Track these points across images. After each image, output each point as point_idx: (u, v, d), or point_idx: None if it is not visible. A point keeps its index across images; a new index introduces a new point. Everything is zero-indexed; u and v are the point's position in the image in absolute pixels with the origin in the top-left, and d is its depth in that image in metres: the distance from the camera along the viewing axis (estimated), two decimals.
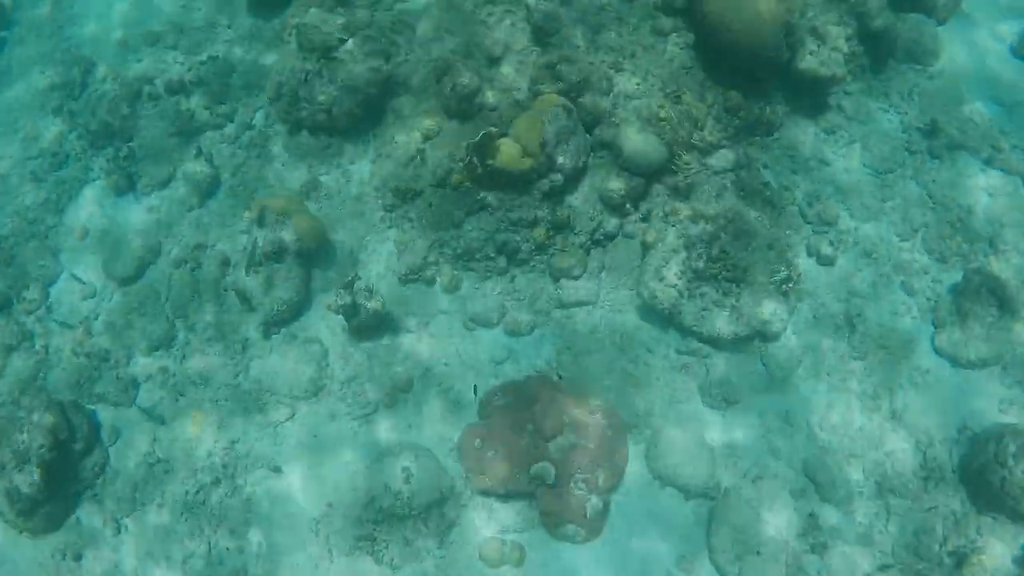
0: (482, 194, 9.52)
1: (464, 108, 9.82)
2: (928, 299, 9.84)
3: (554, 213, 9.47)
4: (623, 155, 9.52)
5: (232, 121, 11.33)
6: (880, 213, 10.27)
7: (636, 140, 9.48)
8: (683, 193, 9.62)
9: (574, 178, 9.58)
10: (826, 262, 9.87)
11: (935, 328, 9.66)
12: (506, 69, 10.15)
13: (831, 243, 9.96)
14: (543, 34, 10.11)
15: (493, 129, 8.91)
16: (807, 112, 10.59)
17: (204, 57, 11.91)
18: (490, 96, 9.88)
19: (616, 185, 9.43)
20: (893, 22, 10.76)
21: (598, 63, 10.03)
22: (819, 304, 9.72)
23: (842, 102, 10.77)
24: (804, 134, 10.50)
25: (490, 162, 9.04)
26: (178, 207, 11.00)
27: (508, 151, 9.00)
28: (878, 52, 10.91)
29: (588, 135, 9.80)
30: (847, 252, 10.04)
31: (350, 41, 10.55)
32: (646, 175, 9.57)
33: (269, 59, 11.56)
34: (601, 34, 10.33)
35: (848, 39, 10.61)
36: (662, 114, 9.72)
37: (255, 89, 11.44)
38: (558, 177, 9.33)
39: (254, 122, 11.25)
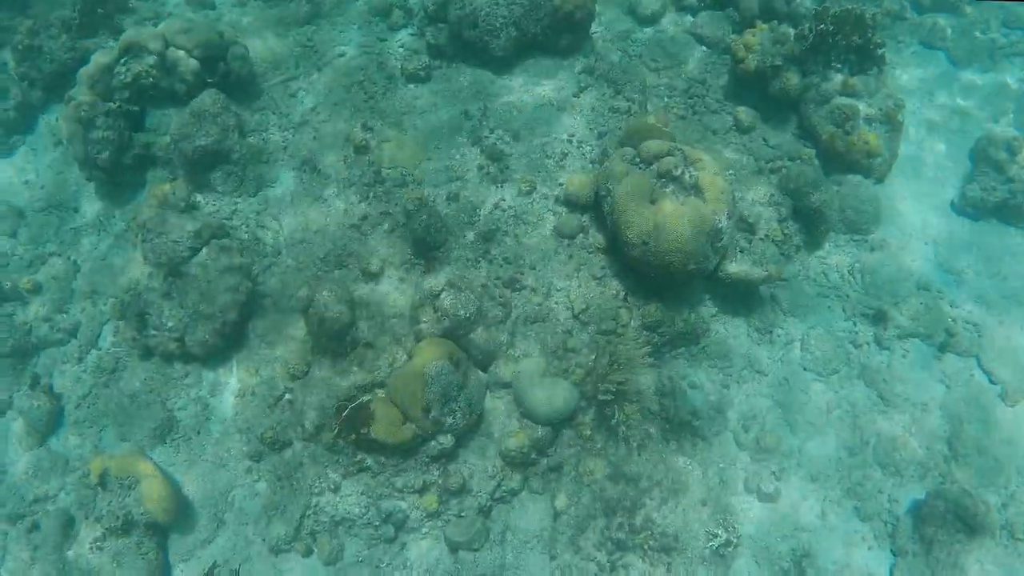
0: (360, 455, 7.96)
1: (335, 346, 8.24)
2: (885, 523, 8.53)
3: (446, 477, 7.94)
4: (525, 404, 8.01)
5: (76, 337, 9.61)
6: (826, 426, 8.92)
7: (539, 386, 7.97)
8: (598, 443, 8.08)
9: (468, 433, 8.06)
10: (767, 499, 8.48)
11: (895, 556, 8.36)
12: (385, 287, 8.60)
13: (773, 473, 8.59)
14: (425, 247, 8.56)
15: (365, 398, 7.35)
16: (738, 309, 9.20)
17: (47, 250, 10.16)
18: (365, 329, 8.31)
19: (516, 442, 7.93)
20: (830, 196, 9.38)
21: (492, 281, 8.49)
22: (762, 547, 8.36)
23: (776, 292, 9.38)
24: (735, 338, 9.12)
25: (364, 432, 7.49)
26: (14, 447, 9.29)
27: (384, 420, 7.50)
28: (814, 228, 9.53)
29: (483, 372, 8.27)
30: (790, 478, 8.68)
31: (204, 251, 8.92)
32: (553, 424, 8.05)
33: (119, 259, 9.85)
34: (494, 240, 8.81)
35: (782, 220, 9.25)
36: (570, 343, 8.24)
37: (103, 296, 9.74)
38: (447, 439, 7.82)
39: (100, 340, 9.54)
